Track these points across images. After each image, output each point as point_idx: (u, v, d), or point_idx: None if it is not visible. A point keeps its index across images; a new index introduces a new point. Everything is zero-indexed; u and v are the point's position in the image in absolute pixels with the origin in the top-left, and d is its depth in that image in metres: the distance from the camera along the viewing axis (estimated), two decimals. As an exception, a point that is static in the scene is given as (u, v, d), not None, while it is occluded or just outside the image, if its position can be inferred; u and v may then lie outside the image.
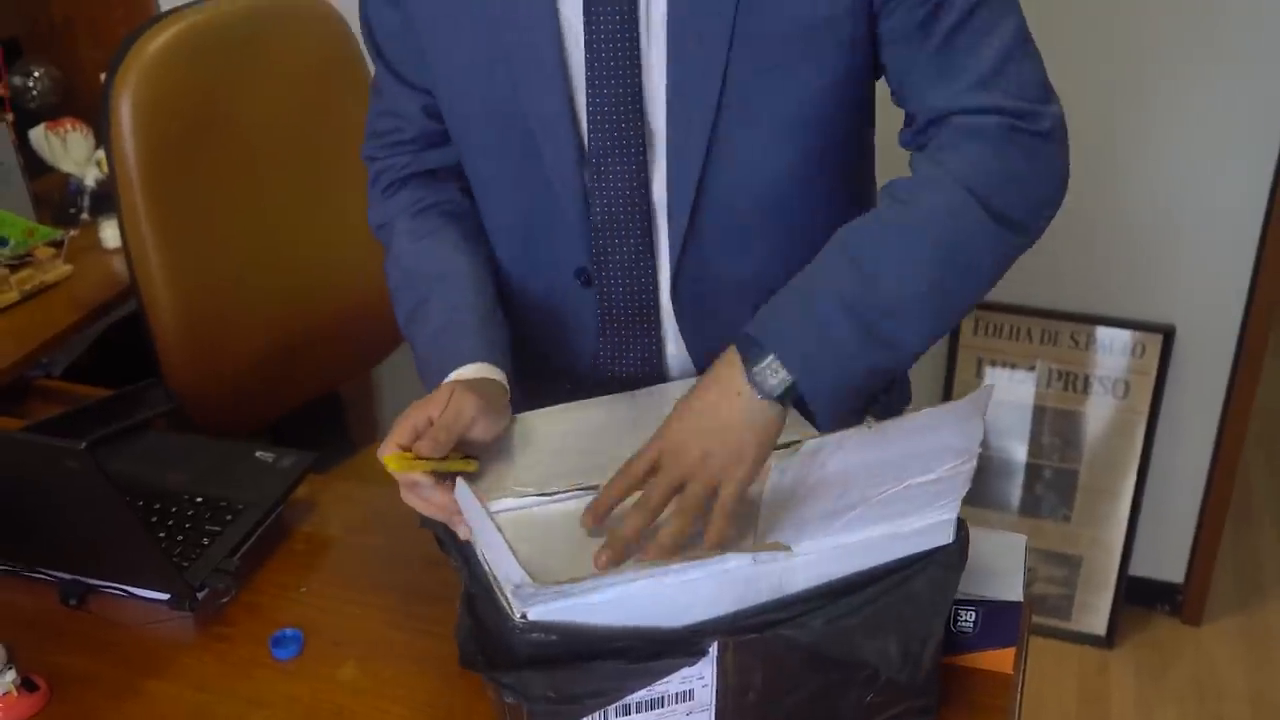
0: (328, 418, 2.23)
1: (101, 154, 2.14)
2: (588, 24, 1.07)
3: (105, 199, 2.14)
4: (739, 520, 0.96)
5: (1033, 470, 2.28)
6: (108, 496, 1.10)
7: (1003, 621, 1.11)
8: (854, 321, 1.00)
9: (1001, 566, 1.14)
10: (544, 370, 1.26)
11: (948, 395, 2.30)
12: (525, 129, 1.13)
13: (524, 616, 0.88)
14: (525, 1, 1.08)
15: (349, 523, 1.37)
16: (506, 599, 0.90)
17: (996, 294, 2.14)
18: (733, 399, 0.99)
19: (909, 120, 1.11)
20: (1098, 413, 2.21)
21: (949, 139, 1.04)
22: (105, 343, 2.17)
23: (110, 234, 2.07)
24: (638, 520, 0.95)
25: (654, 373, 1.24)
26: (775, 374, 0.99)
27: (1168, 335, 2.13)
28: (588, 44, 1.07)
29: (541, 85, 1.10)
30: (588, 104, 1.10)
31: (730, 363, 1.01)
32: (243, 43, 1.84)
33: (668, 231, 1.15)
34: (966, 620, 1.11)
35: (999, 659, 1.12)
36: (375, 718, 1.09)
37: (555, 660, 0.88)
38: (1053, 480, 2.28)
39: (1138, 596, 2.41)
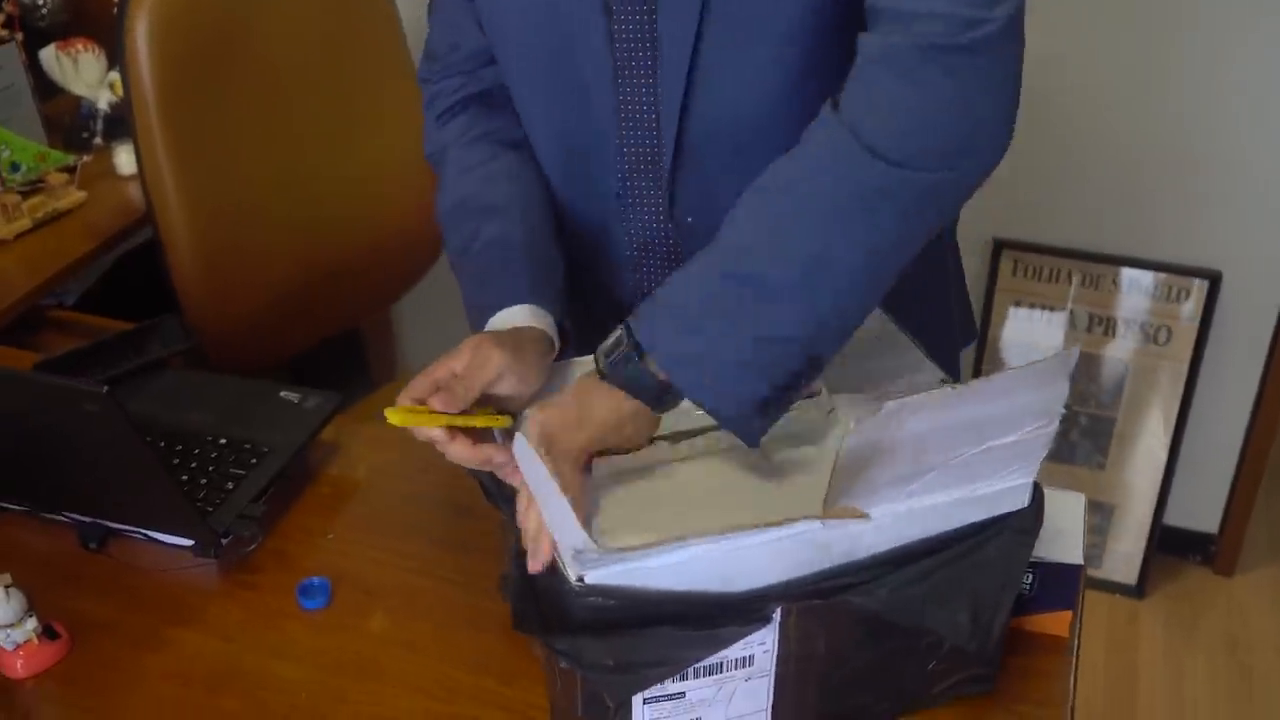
0: (348, 355, 2.18)
1: (115, 76, 2.06)
2: None
3: (119, 123, 2.08)
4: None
5: (1068, 416, 2.23)
6: (129, 439, 1.05)
7: (1062, 583, 1.07)
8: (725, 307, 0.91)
9: (1061, 526, 1.09)
10: (588, 293, 1.20)
11: (983, 340, 2.23)
12: (564, 33, 1.06)
13: (581, 580, 0.83)
14: None
15: (376, 466, 1.32)
16: (562, 561, 0.85)
17: (1033, 234, 2.10)
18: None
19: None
20: (1137, 360, 2.15)
21: (860, 64, 0.91)
22: (119, 271, 2.11)
23: (125, 159, 2.00)
24: None
25: None
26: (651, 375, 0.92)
27: (1214, 281, 2.06)
28: None
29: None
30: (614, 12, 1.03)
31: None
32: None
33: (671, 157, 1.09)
34: (1024, 582, 1.06)
35: (1055, 622, 1.07)
36: (406, 671, 1.05)
37: (613, 626, 0.83)
38: (1088, 427, 2.23)
39: (1170, 546, 2.37)
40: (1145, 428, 2.20)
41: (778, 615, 0.87)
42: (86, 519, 1.19)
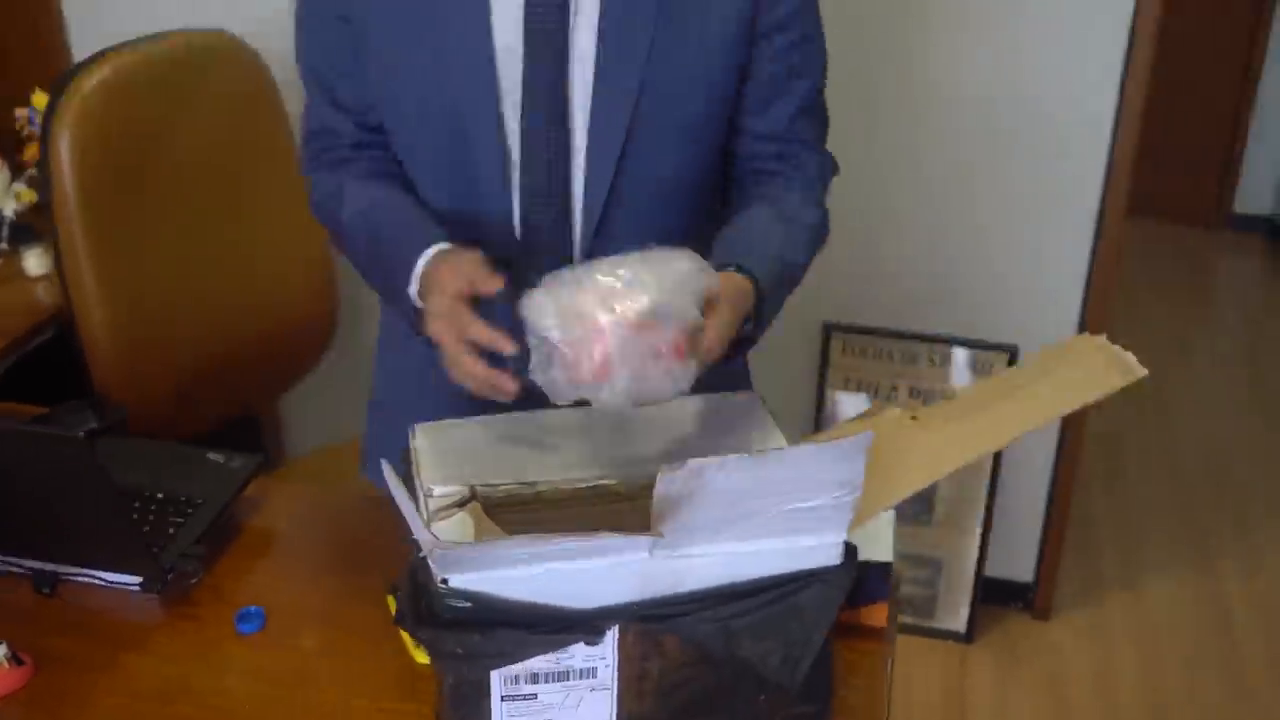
0: (245, 438, 2.34)
1: (19, 185, 2.22)
2: (526, 36, 1.25)
3: (24, 229, 2.23)
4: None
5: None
6: (97, 484, 1.22)
7: (875, 578, 1.29)
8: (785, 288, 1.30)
9: (873, 534, 1.32)
10: None
11: (819, 412, 2.51)
12: (458, 129, 1.29)
13: (444, 582, 1.03)
14: (460, 16, 1.25)
15: (294, 515, 1.50)
16: (432, 562, 1.04)
17: (858, 318, 2.39)
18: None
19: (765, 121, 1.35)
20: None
21: (807, 160, 1.38)
22: (18, 367, 2.23)
23: (34, 262, 2.16)
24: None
25: None
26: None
27: (1012, 354, 2.39)
28: (525, 54, 1.25)
29: (475, 89, 1.27)
30: (522, 104, 1.27)
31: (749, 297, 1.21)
32: (172, 80, 1.97)
33: (580, 227, 1.33)
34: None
35: (873, 614, 1.30)
36: (338, 679, 1.23)
37: (467, 624, 1.03)
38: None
39: (993, 595, 2.65)
40: (965, 487, 2.49)
41: (614, 633, 1.06)
42: (38, 565, 1.33)
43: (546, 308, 1.07)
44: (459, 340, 1.14)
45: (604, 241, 1.32)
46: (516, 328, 1.12)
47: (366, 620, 1.28)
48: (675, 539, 1.06)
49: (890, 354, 2.45)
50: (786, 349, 2.43)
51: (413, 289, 1.24)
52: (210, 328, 2.03)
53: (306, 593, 1.35)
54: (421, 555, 1.05)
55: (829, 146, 1.44)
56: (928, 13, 2.22)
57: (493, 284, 1.15)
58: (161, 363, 1.96)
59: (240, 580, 1.37)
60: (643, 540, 1.04)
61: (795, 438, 2.12)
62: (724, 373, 1.23)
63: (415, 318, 1.26)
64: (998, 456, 2.45)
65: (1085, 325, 2.34)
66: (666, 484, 1.01)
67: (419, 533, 1.01)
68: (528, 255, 1.32)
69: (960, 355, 2.42)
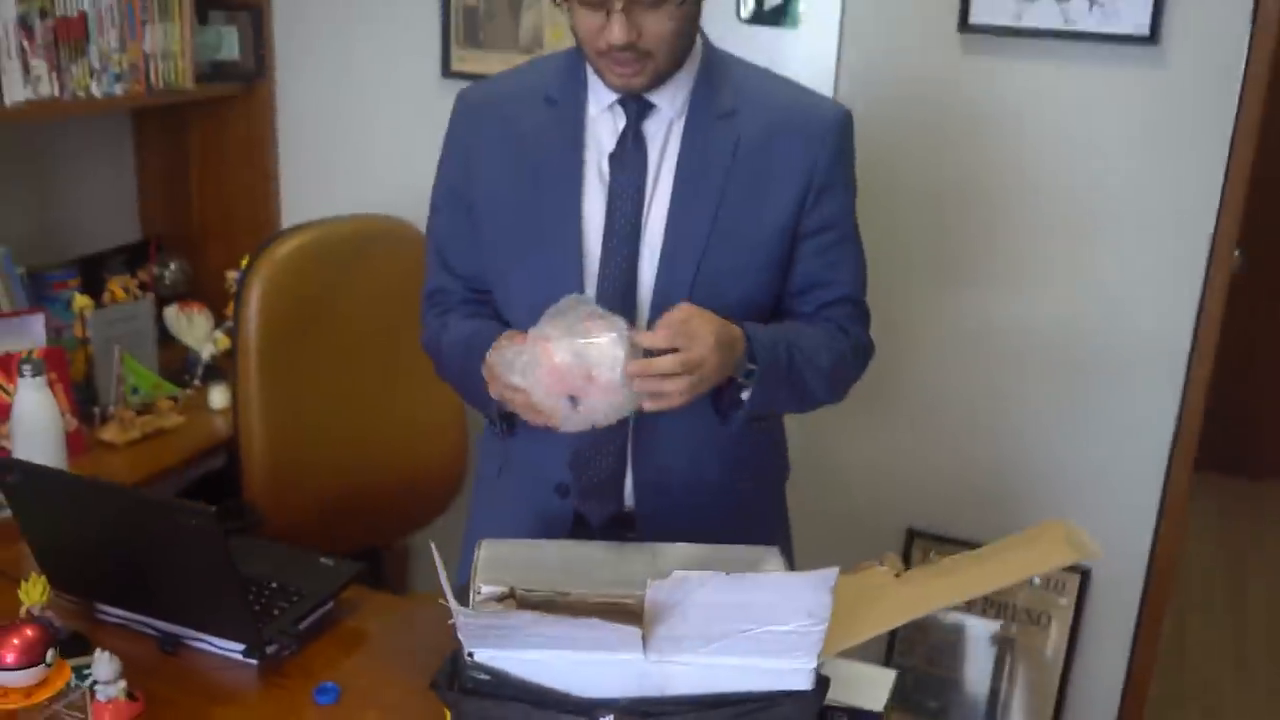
0: (371, 567, 2.62)
1: (219, 333, 2.62)
2: (608, 221, 1.55)
3: (215, 370, 2.62)
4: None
5: (955, 684, 2.60)
6: (219, 555, 1.50)
7: (858, 726, 1.45)
8: (790, 363, 1.52)
9: (871, 685, 1.48)
10: None
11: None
12: (549, 296, 1.51)
13: (470, 655, 1.25)
14: (556, 210, 1.56)
15: (383, 620, 1.74)
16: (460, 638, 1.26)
17: (944, 528, 2.54)
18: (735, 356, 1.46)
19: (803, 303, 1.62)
20: (1022, 638, 2.56)
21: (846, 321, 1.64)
22: (192, 490, 2.59)
23: (217, 397, 2.53)
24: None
25: None
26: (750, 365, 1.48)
27: (1085, 574, 2.49)
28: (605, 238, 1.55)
29: (565, 267, 1.56)
30: (599, 277, 1.56)
31: (740, 344, 1.47)
32: (347, 253, 2.35)
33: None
34: (837, 726, 1.45)
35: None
36: (389, 746, 1.45)
37: (485, 694, 1.26)
38: (969, 696, 2.60)
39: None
40: (1028, 700, 2.56)
41: None
42: (166, 628, 1.61)
43: (514, 364, 1.41)
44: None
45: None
46: None
47: (425, 710, 1.46)
48: (664, 646, 1.27)
49: (970, 563, 2.58)
50: (871, 550, 2.58)
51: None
52: (352, 464, 2.34)
53: (379, 680, 1.58)
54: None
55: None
56: (1005, 248, 2.45)
57: None
58: (306, 489, 2.26)
59: (325, 661, 1.61)
60: (635, 641, 1.24)
61: (872, 641, 2.30)
62: (765, 533, 1.44)
63: (495, 413, 1.57)
64: (1066, 667, 2.52)
65: (1156, 550, 2.43)
66: (655, 591, 1.22)
67: (452, 606, 1.24)
68: None
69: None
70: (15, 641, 1.33)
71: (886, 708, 1.45)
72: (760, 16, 2.46)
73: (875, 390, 2.59)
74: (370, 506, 2.36)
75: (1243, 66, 2.17)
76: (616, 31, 1.42)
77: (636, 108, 1.54)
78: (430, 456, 2.47)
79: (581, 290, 1.55)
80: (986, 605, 2.57)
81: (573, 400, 1.39)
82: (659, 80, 1.51)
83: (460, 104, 1.68)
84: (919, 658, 2.64)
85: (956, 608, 2.58)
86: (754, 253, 1.55)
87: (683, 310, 1.43)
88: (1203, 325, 2.30)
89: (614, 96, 1.55)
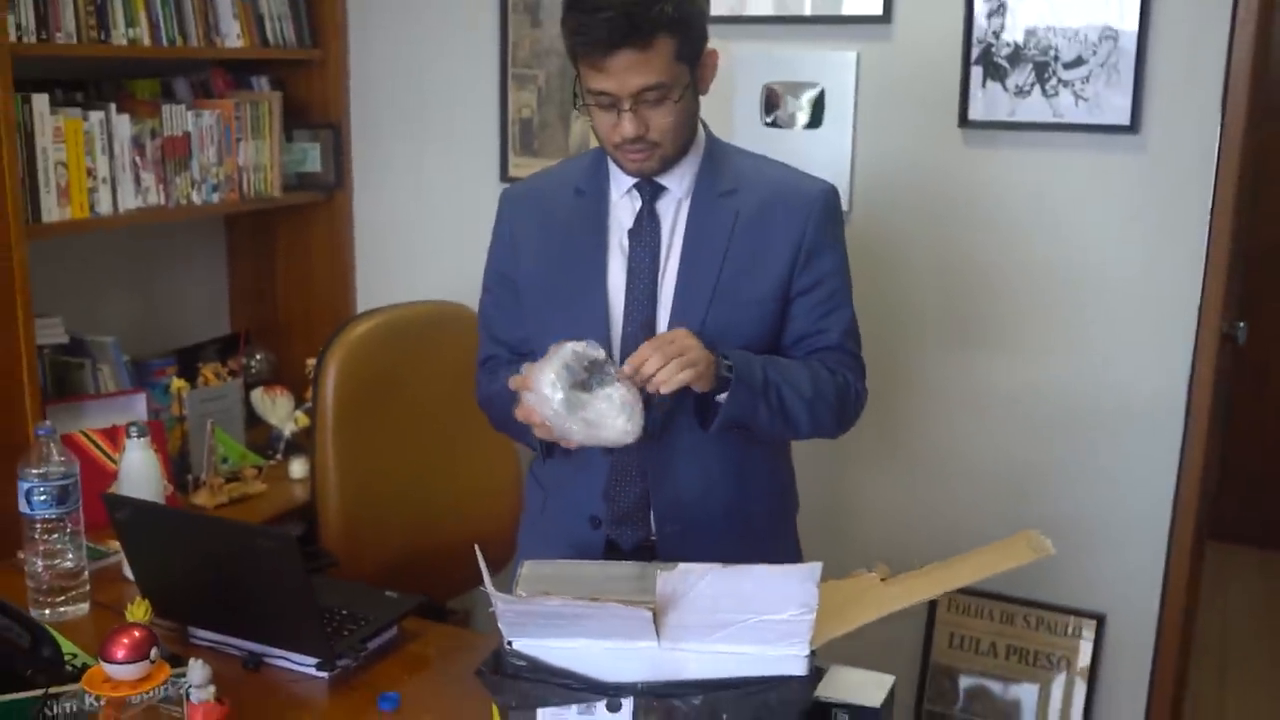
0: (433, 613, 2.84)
1: (299, 413, 2.90)
2: (628, 288, 1.81)
3: (294, 446, 2.89)
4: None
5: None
6: (297, 576, 1.73)
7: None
8: (765, 380, 1.74)
9: (871, 687, 1.66)
10: None
11: (925, 663, 2.79)
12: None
13: (510, 644, 1.47)
14: (585, 280, 1.82)
15: (442, 646, 1.95)
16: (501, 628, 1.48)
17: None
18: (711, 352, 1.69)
19: (796, 351, 1.84)
20: (1044, 680, 2.70)
21: (835, 364, 1.84)
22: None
23: (297, 468, 2.80)
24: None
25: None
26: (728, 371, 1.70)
27: (1100, 620, 2.64)
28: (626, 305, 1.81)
29: (594, 329, 1.80)
30: (623, 332, 1.81)
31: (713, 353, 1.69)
32: (415, 335, 2.62)
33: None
34: (839, 720, 1.63)
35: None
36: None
37: (522, 677, 1.48)
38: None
39: None
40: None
41: (630, 704, 1.46)
42: (249, 646, 1.84)
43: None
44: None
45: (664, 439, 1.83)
46: None
47: (477, 716, 1.65)
48: (675, 634, 1.48)
49: (991, 613, 2.74)
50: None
51: None
52: (417, 526, 2.58)
53: (436, 692, 1.79)
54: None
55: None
56: (1007, 316, 2.66)
57: None
58: (375, 547, 2.50)
59: (388, 677, 1.82)
60: (647, 625, 1.45)
61: (901, 688, 2.51)
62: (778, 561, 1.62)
63: (537, 442, 1.81)
64: (1087, 710, 2.65)
65: (1167, 596, 2.58)
66: (662, 583, 1.44)
67: (492, 595, 1.47)
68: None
69: (1052, 619, 2.68)
70: (125, 640, 1.56)
71: (884, 705, 1.64)
72: (777, 122, 2.74)
73: (887, 446, 2.81)
74: (434, 563, 2.59)
75: (1216, 149, 2.39)
76: (627, 127, 1.70)
77: (650, 190, 1.81)
78: (488, 519, 2.70)
79: (608, 346, 1.80)
80: (1009, 651, 2.72)
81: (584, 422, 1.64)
82: (667, 165, 1.78)
83: (504, 199, 1.98)
84: (947, 705, 2.78)
85: (983, 662, 2.74)
86: (751, 309, 1.80)
87: (657, 335, 1.70)
88: (1196, 387, 2.48)
89: (631, 183, 1.82)
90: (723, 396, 1.71)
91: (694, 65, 1.74)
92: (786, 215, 1.81)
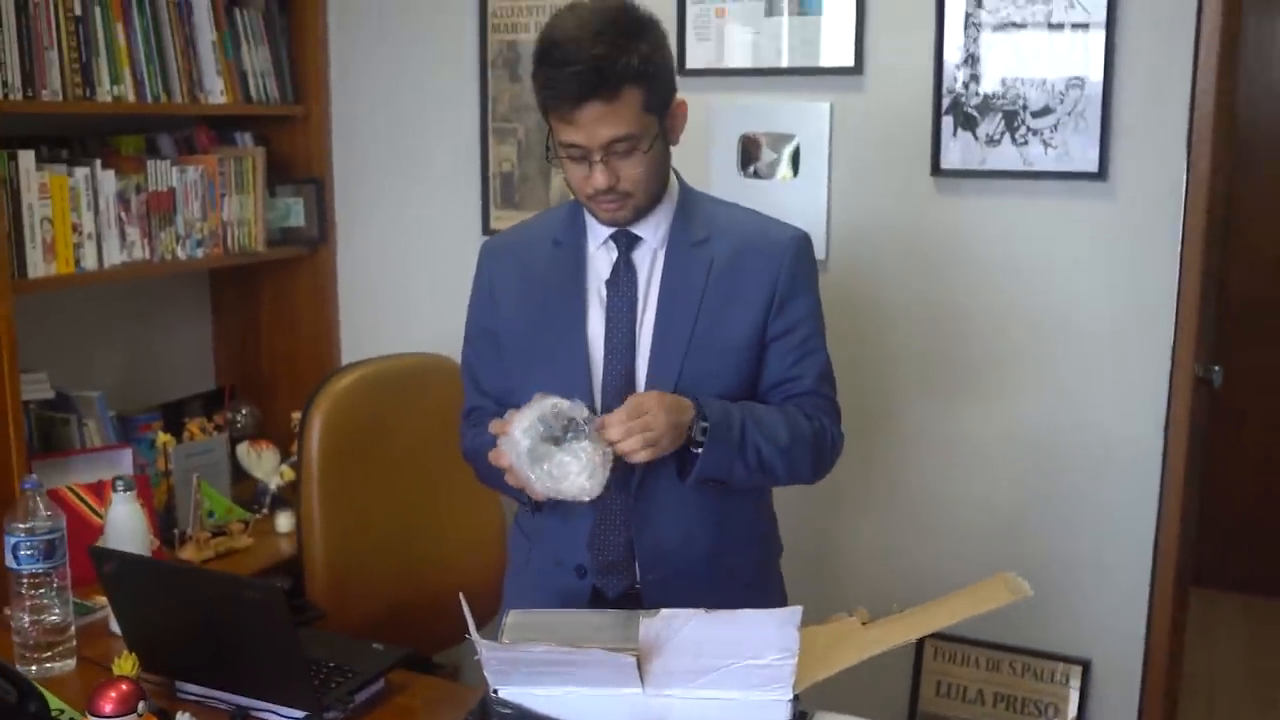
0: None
1: (284, 466, 2.91)
2: (607, 338, 1.84)
3: (280, 499, 2.90)
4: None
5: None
6: (283, 627, 1.74)
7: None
8: (742, 434, 1.76)
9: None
10: None
11: (913, 712, 2.80)
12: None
13: (495, 691, 1.48)
14: (565, 330, 1.85)
15: (428, 698, 1.95)
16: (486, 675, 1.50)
17: (950, 628, 2.71)
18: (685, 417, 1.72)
19: (772, 396, 1.87)
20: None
21: (811, 410, 1.86)
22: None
23: (283, 522, 2.81)
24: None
25: None
26: (702, 433, 1.73)
27: (1085, 666, 2.65)
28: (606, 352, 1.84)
29: (574, 378, 1.84)
30: (603, 382, 1.84)
31: (688, 405, 1.73)
32: (399, 387, 2.64)
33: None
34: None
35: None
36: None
37: None
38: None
39: None
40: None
41: None
42: (236, 700, 1.84)
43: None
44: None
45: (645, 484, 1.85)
46: None
47: None
48: (659, 680, 1.49)
49: (978, 661, 2.75)
50: (884, 653, 2.77)
51: None
52: (404, 575, 2.58)
53: (422, 750, 1.80)
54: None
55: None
56: (981, 360, 2.69)
57: None
58: (362, 598, 2.51)
59: (375, 729, 1.84)
60: (631, 671, 1.47)
61: None
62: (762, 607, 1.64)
63: (525, 497, 1.83)
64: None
65: (1151, 641, 2.60)
66: (645, 629, 1.46)
67: (476, 642, 1.48)
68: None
69: (1039, 665, 2.69)
70: (112, 694, 1.57)
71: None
72: (757, 173, 2.79)
73: (869, 491, 2.84)
74: (421, 616, 2.59)
75: (1183, 192, 2.45)
76: (599, 178, 1.74)
77: (626, 240, 1.85)
78: (474, 571, 2.70)
79: (589, 394, 1.83)
80: (996, 699, 2.73)
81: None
82: (640, 214, 1.82)
83: (483, 251, 2.01)
84: (937, 753, 2.79)
85: (971, 710, 2.75)
86: (727, 356, 1.83)
87: (634, 396, 1.71)
88: (1172, 430, 2.52)
89: (607, 234, 1.86)
90: (700, 449, 1.74)
91: (662, 115, 1.78)
92: (759, 263, 1.84)
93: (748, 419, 1.78)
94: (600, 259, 1.88)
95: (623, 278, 1.86)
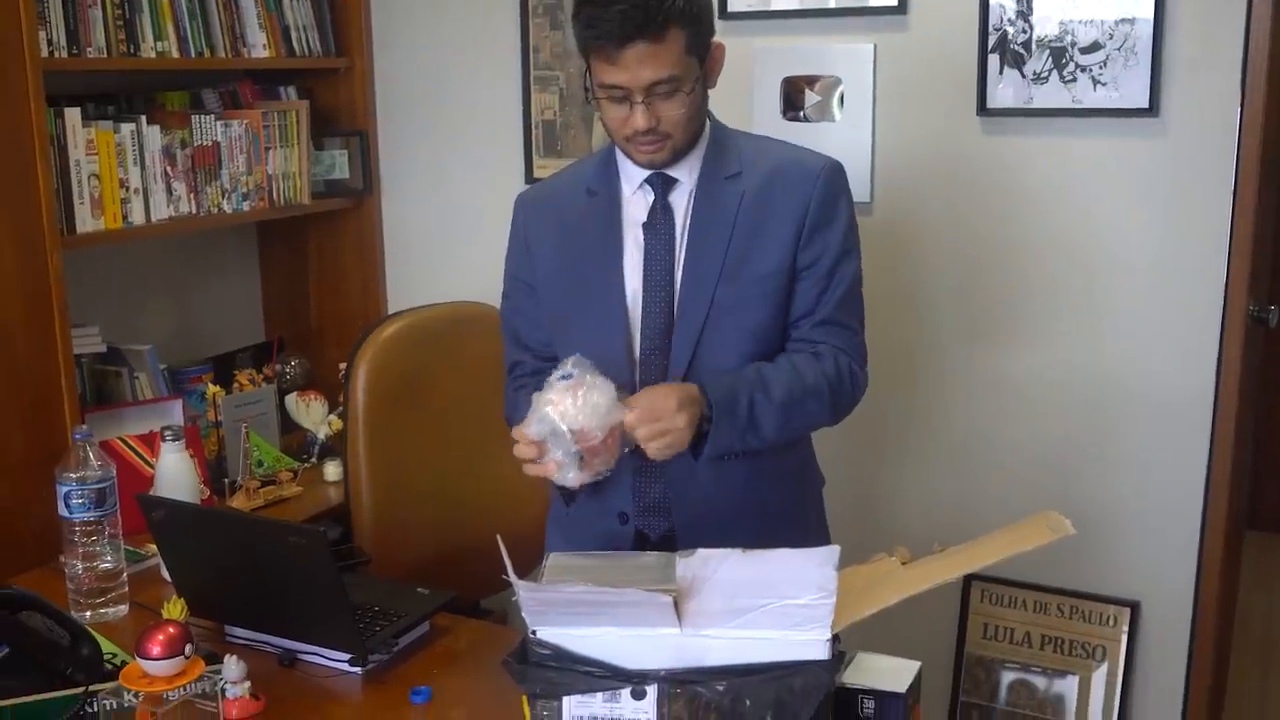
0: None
1: (333, 417, 2.94)
2: (645, 280, 1.84)
3: (329, 449, 2.93)
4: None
5: (1035, 726, 2.74)
6: (328, 572, 1.76)
7: (891, 706, 1.63)
8: (750, 412, 1.75)
9: (897, 673, 1.66)
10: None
11: (960, 654, 2.79)
12: (603, 357, 1.81)
13: (534, 632, 1.49)
14: (603, 283, 1.84)
15: (473, 640, 1.98)
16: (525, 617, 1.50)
17: (994, 570, 2.70)
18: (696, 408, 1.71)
19: (797, 327, 1.86)
20: (1082, 671, 2.69)
21: (824, 350, 1.84)
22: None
23: (331, 471, 2.84)
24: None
25: None
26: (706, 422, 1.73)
27: (1134, 608, 2.62)
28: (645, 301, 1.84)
29: (612, 329, 1.84)
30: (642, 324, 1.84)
31: (697, 397, 1.72)
32: (442, 335, 2.64)
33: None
34: (868, 707, 1.63)
35: (893, 741, 1.63)
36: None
37: (546, 665, 1.49)
38: (1049, 733, 2.73)
39: None
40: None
41: (655, 691, 1.47)
42: (284, 644, 1.87)
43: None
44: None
45: None
46: None
47: (506, 708, 1.66)
48: (697, 620, 1.49)
49: (1025, 603, 2.73)
50: (929, 595, 2.75)
51: None
52: (449, 523, 2.61)
53: (467, 685, 1.82)
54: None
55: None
56: (1029, 303, 2.65)
57: None
58: (408, 545, 2.53)
59: (420, 672, 1.85)
60: (668, 609, 1.47)
61: (936, 679, 2.51)
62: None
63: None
64: (1125, 698, 2.64)
65: (1201, 582, 2.56)
66: (683, 568, 1.46)
67: (514, 582, 1.49)
68: None
69: (1086, 607, 2.67)
70: (160, 637, 1.60)
71: (910, 691, 1.65)
72: (801, 116, 2.75)
73: (912, 433, 2.82)
74: (466, 561, 2.61)
75: (1237, 129, 2.38)
76: (640, 119, 1.72)
77: (661, 183, 1.84)
78: (518, 518, 2.70)
79: (628, 338, 1.83)
80: (1044, 641, 2.71)
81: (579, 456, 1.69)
82: (677, 156, 1.81)
83: (518, 204, 2.01)
84: (983, 696, 2.78)
85: (1018, 652, 2.73)
86: (758, 285, 1.82)
87: (647, 392, 1.73)
88: (1224, 370, 2.47)
89: (642, 177, 1.84)
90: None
91: (703, 59, 1.77)
92: (789, 192, 1.83)
93: (755, 391, 1.76)
94: (636, 203, 1.87)
95: (660, 220, 1.84)
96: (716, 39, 1.80)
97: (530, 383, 1.95)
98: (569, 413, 1.67)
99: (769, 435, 1.79)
